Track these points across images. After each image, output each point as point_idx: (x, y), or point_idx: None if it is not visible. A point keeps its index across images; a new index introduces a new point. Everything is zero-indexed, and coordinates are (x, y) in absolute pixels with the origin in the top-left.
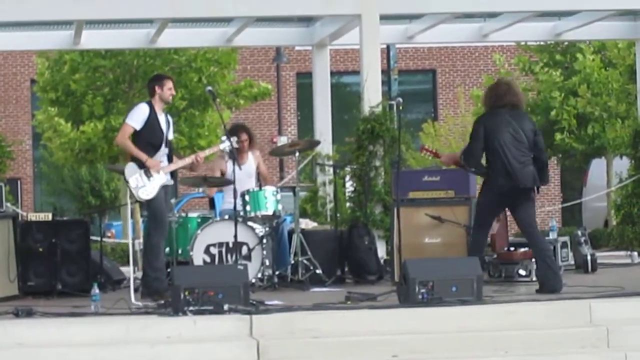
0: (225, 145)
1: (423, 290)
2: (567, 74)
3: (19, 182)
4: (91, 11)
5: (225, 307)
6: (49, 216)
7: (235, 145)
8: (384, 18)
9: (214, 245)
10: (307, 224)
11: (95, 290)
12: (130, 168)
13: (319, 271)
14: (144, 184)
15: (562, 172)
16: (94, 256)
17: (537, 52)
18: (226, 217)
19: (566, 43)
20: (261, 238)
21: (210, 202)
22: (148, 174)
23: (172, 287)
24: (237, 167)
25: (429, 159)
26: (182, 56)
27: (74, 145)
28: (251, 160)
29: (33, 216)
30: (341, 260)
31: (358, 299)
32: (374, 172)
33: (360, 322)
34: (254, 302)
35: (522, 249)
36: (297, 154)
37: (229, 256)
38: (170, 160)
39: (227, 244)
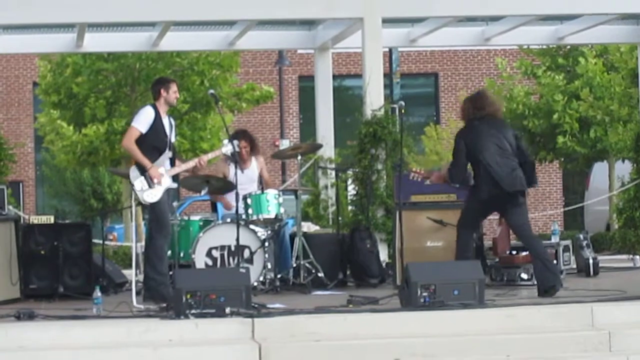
0: (227, 149)
1: (425, 294)
2: (569, 77)
3: (21, 185)
4: (94, 14)
5: (227, 310)
6: (51, 219)
7: (237, 148)
8: (387, 21)
9: (216, 248)
10: (309, 227)
11: (97, 293)
12: (135, 171)
13: (320, 274)
14: (149, 187)
15: (564, 175)
16: (96, 259)
17: (540, 56)
18: (228, 220)
19: (568, 47)
20: (263, 241)
21: (212, 205)
22: (151, 179)
23: (174, 290)
24: (239, 171)
25: (431, 162)
26: (185, 59)
27: (76, 148)
28: (254, 166)
29: (35, 219)
30: (343, 263)
31: (360, 302)
32: (376, 176)
33: (362, 326)
34: (256, 306)
35: (524, 253)
36: (299, 157)
37: (231, 259)
38: (173, 163)
39: (229, 247)
